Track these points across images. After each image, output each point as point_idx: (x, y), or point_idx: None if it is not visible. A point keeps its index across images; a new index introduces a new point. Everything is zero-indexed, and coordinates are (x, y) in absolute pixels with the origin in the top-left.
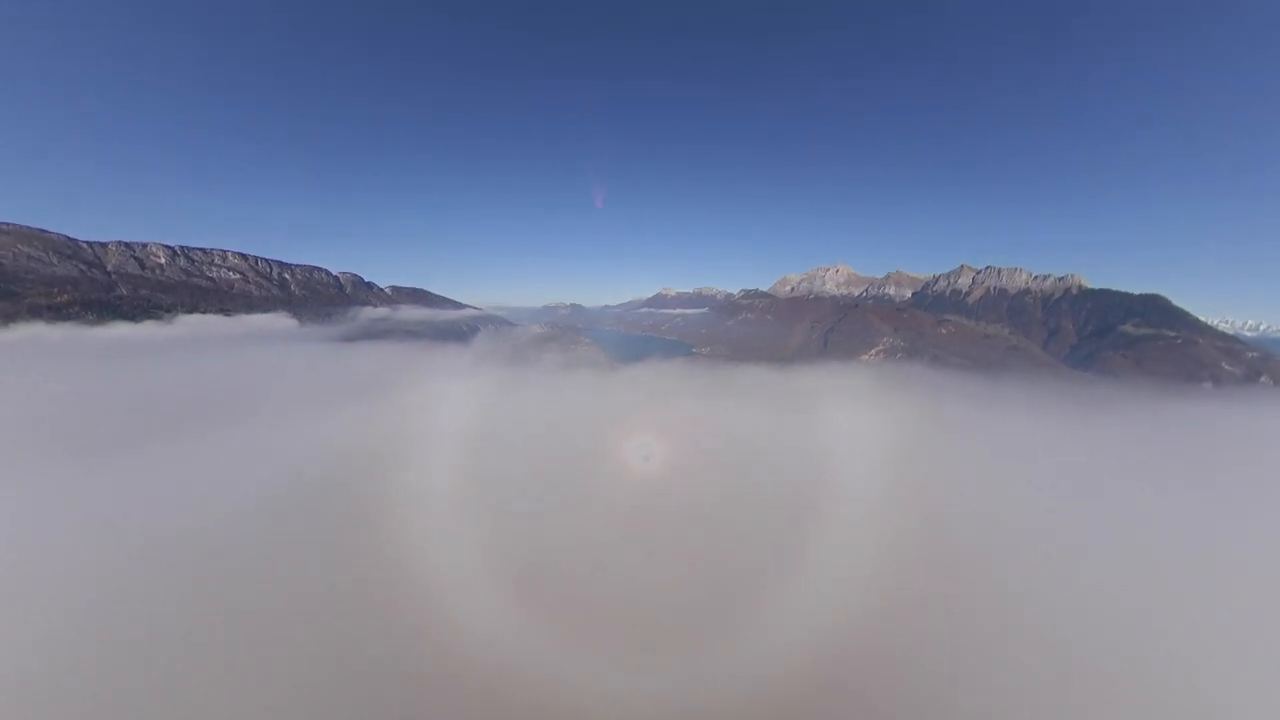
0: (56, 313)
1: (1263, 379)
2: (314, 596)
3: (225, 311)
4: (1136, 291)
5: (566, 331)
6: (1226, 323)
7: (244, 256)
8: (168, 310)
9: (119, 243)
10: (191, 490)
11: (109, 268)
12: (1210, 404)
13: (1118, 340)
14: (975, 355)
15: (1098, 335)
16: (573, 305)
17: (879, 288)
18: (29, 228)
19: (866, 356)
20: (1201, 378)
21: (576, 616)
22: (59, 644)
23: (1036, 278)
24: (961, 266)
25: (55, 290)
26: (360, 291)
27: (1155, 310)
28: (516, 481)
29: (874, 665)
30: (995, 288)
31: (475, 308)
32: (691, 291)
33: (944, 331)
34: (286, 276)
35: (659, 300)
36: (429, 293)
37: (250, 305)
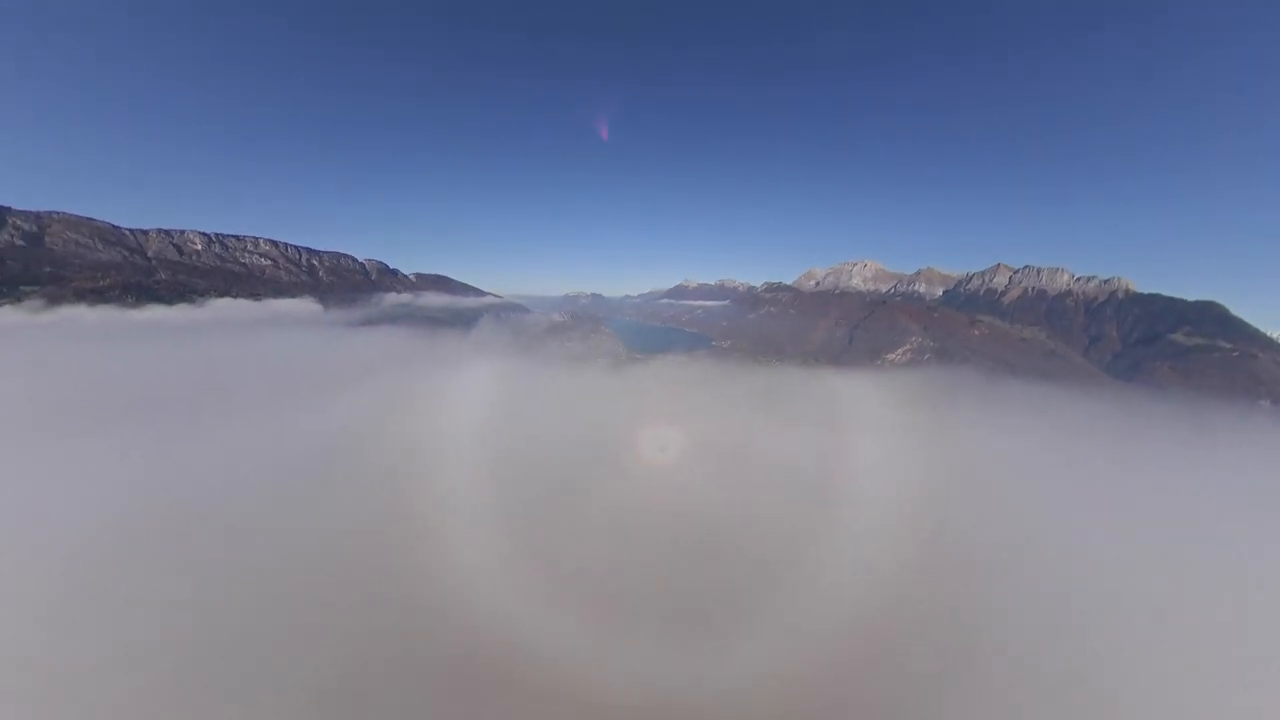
0: (99, 296)
1: None
2: (327, 573)
3: (255, 296)
4: (1190, 298)
5: (585, 320)
6: None
7: (275, 243)
8: (201, 294)
9: (159, 230)
10: (197, 469)
11: (149, 254)
12: (1269, 423)
13: (1166, 350)
14: (1009, 359)
15: (1144, 343)
16: (594, 294)
17: (908, 285)
18: (77, 216)
19: (893, 356)
20: (1259, 394)
21: (588, 605)
22: (96, 607)
23: (1079, 279)
24: (997, 265)
25: (99, 275)
26: (385, 278)
27: (1210, 319)
28: (524, 471)
29: (885, 671)
30: (1033, 288)
31: (496, 295)
32: (713, 283)
33: (976, 333)
34: (315, 263)
35: (680, 291)
36: (451, 280)
37: (280, 290)
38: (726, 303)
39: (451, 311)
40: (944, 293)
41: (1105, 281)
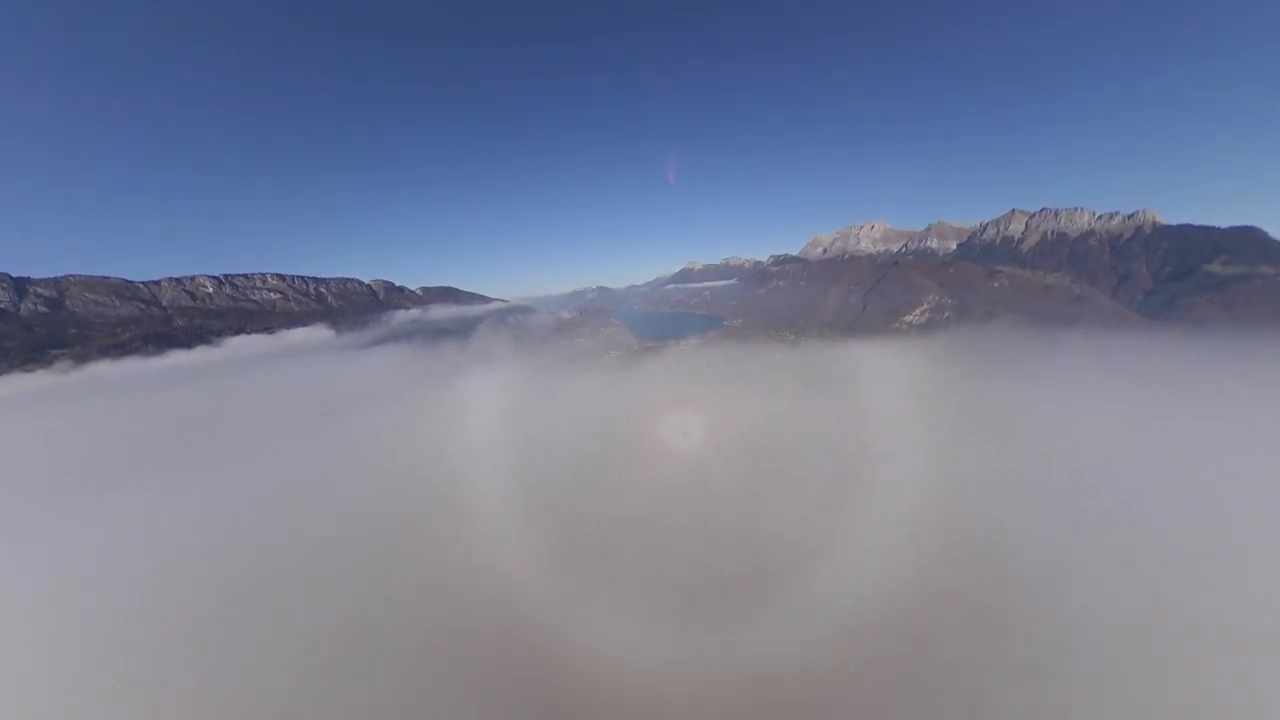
0: (122, 350)
1: None
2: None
3: (268, 330)
4: (1224, 225)
5: (594, 315)
6: None
7: (282, 277)
8: (218, 335)
9: (170, 279)
10: (231, 502)
11: (164, 303)
12: None
13: (1202, 282)
14: (1034, 309)
15: (1177, 278)
16: (599, 288)
17: (919, 241)
18: (92, 276)
19: (911, 317)
20: None
21: (620, 595)
22: (157, 637)
23: (1100, 218)
24: (1012, 211)
25: (119, 330)
26: (393, 296)
27: (1248, 245)
28: (545, 471)
29: (905, 652)
30: (1053, 232)
31: (503, 300)
32: (719, 263)
33: (996, 285)
34: (323, 290)
35: (685, 275)
36: (458, 290)
37: (292, 321)
38: (734, 281)
39: (460, 321)
40: (958, 246)
41: (1130, 217)
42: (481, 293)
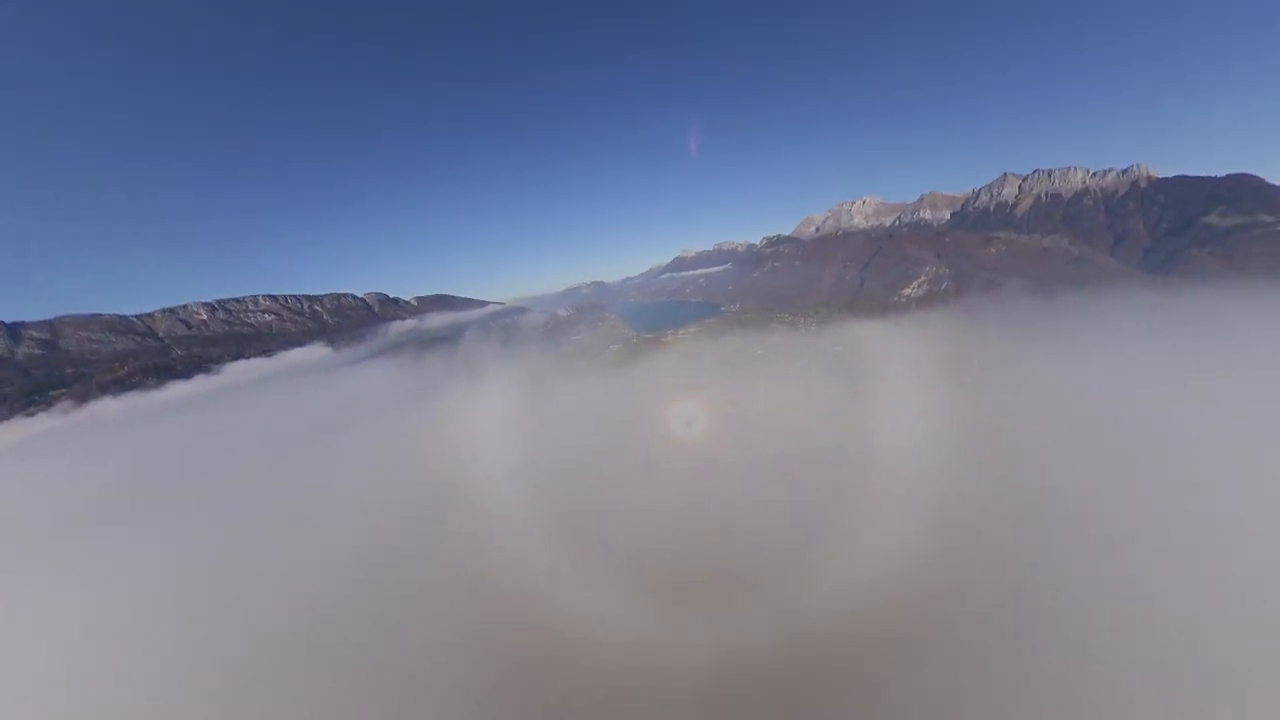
0: (121, 385)
1: None
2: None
3: (266, 353)
4: (1220, 174)
5: (591, 310)
6: None
7: (274, 298)
8: (216, 362)
9: (163, 309)
10: (218, 540)
11: (160, 334)
12: None
13: (1201, 235)
14: (1033, 273)
15: (1175, 233)
16: (594, 283)
17: (912, 213)
18: (85, 315)
19: (909, 290)
20: None
21: (631, 586)
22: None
23: (1094, 175)
24: (1004, 176)
25: (117, 365)
26: (388, 308)
27: (1246, 193)
28: (552, 471)
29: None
30: (1047, 193)
31: (498, 303)
32: (711, 248)
33: (993, 251)
34: (317, 308)
35: (679, 263)
36: (453, 297)
37: (289, 341)
38: (728, 266)
39: (456, 328)
40: (951, 215)
41: (1123, 172)
42: (476, 297)
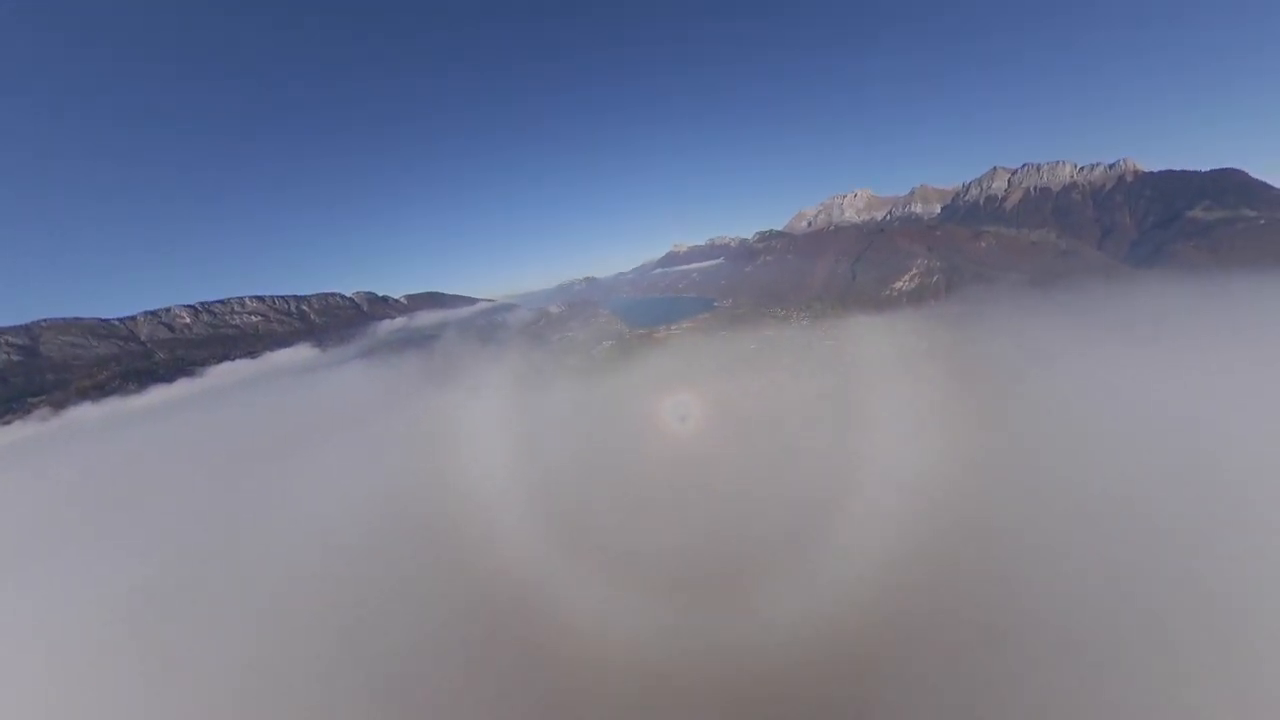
0: (101, 391)
1: None
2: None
3: (252, 354)
4: (1205, 168)
5: (584, 306)
6: None
7: (261, 299)
8: (201, 365)
9: (145, 313)
10: (198, 546)
11: (143, 338)
12: None
13: (1186, 228)
14: (1023, 267)
15: (1161, 226)
16: (587, 279)
17: (904, 207)
18: (63, 319)
19: (900, 283)
20: None
21: (629, 581)
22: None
23: (1082, 169)
24: (994, 169)
25: (97, 370)
26: (377, 306)
27: (1230, 188)
28: (540, 468)
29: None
30: (1035, 188)
31: (489, 300)
32: (704, 243)
33: (983, 245)
34: (304, 308)
35: (671, 258)
36: (443, 294)
37: (276, 342)
38: (720, 261)
39: (446, 325)
40: (942, 209)
41: (1110, 167)
42: (467, 294)
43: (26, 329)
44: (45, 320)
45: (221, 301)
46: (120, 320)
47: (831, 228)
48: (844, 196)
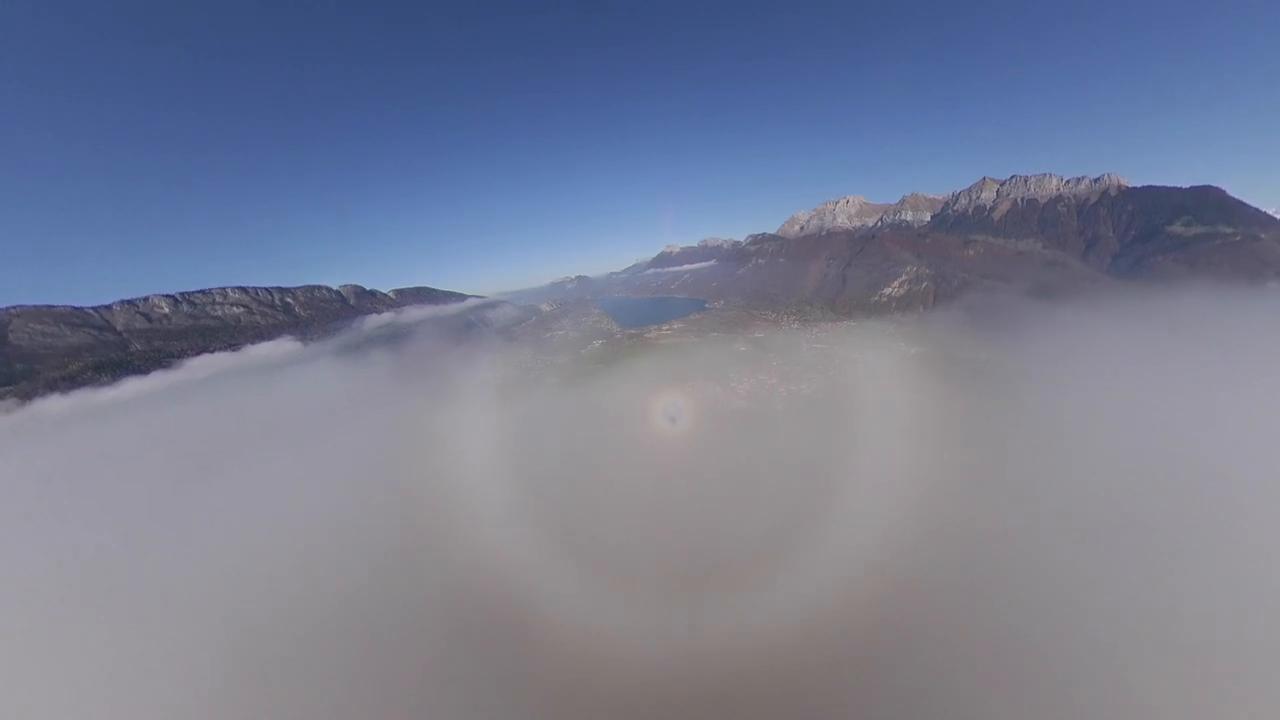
0: (71, 382)
1: None
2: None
3: (233, 347)
4: (1185, 185)
5: (575, 305)
6: None
7: (244, 290)
8: (177, 357)
9: (121, 302)
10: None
11: (119, 328)
12: (1273, 304)
13: (1166, 243)
14: (1009, 275)
15: (1143, 240)
16: (579, 278)
17: (895, 214)
18: (35, 306)
19: (890, 289)
20: (1266, 276)
21: (615, 578)
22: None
23: (1068, 182)
24: (983, 180)
25: (69, 360)
26: (364, 301)
27: (1209, 205)
28: (529, 466)
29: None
30: (1023, 199)
31: (479, 297)
32: (696, 244)
33: (971, 253)
34: (289, 300)
35: (664, 259)
36: (433, 290)
37: (259, 335)
38: (713, 262)
39: (434, 322)
40: (932, 217)
41: (1095, 180)
42: (458, 290)
43: None
44: (15, 307)
45: (203, 292)
46: (95, 309)
47: (824, 232)
48: (837, 202)
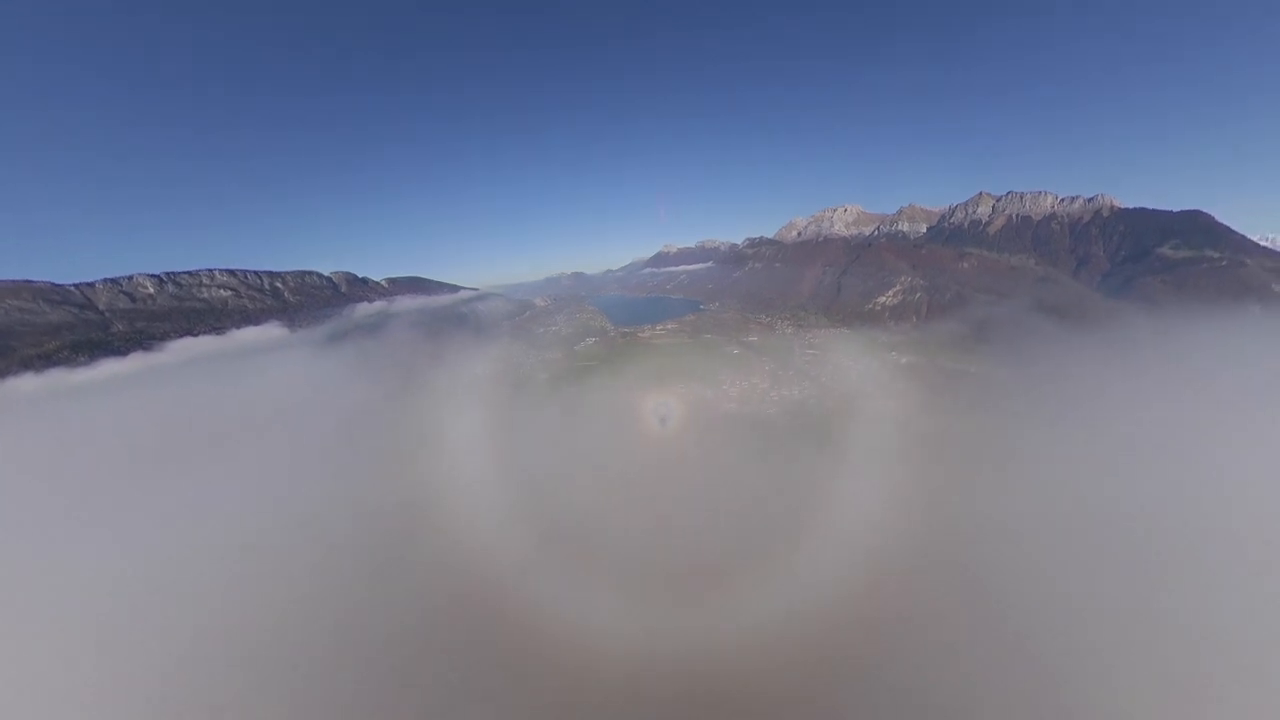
0: (47, 360)
1: None
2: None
3: (217, 330)
4: (1176, 209)
5: (570, 301)
6: (1269, 240)
7: (233, 273)
8: (159, 339)
9: (105, 280)
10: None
11: (101, 307)
12: (1255, 329)
13: (1155, 264)
14: (1001, 289)
15: (1132, 260)
16: (575, 274)
17: (891, 224)
18: (12, 281)
19: (884, 298)
20: (1249, 301)
21: (600, 570)
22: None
23: (1063, 201)
24: (980, 194)
25: (47, 339)
26: (356, 288)
27: (1197, 229)
28: (520, 464)
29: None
30: (1018, 215)
31: (473, 289)
32: (694, 246)
33: (965, 266)
34: (279, 285)
35: (661, 259)
36: (426, 280)
37: (246, 319)
38: (710, 264)
39: (426, 312)
40: (928, 229)
41: (1089, 200)
42: (452, 281)
43: None
44: None
45: (190, 273)
46: (77, 286)
47: (821, 239)
48: (835, 210)
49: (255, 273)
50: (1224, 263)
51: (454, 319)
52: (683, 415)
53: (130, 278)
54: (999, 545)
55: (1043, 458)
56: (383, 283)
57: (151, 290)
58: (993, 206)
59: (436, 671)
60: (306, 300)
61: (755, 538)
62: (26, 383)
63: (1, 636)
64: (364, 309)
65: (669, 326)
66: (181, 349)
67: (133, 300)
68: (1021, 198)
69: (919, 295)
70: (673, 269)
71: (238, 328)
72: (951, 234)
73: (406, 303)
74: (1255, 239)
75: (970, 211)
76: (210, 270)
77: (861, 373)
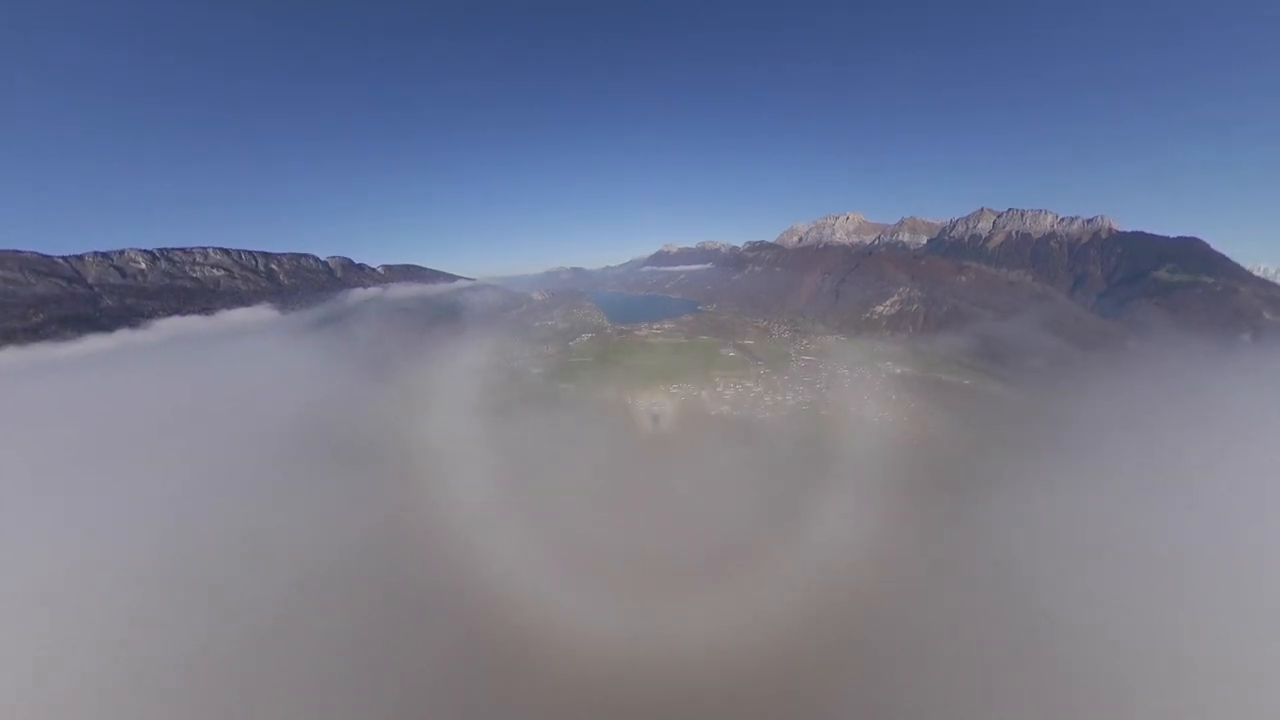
0: (32, 334)
1: None
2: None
3: (207, 310)
4: (1173, 234)
5: (567, 296)
6: (1261, 269)
7: (227, 252)
8: (148, 316)
9: (95, 253)
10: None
11: (90, 280)
12: (1245, 358)
13: (1150, 287)
14: (998, 304)
15: (1128, 282)
16: (574, 269)
17: (892, 235)
18: (1, 250)
19: (882, 308)
20: (1240, 328)
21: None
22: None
23: (1062, 220)
24: (981, 210)
25: (32, 311)
26: (351, 274)
27: (1192, 255)
28: (512, 463)
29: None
30: (1018, 232)
31: (469, 279)
32: (695, 246)
33: (963, 279)
34: (274, 267)
35: (661, 258)
36: (423, 268)
37: (238, 300)
38: (710, 265)
39: (421, 300)
40: (928, 241)
41: (1088, 221)
42: (449, 271)
43: None
44: None
45: (183, 250)
46: (66, 259)
47: (821, 245)
48: (836, 218)
49: (250, 253)
50: (1218, 289)
51: (449, 309)
52: (675, 415)
53: (122, 252)
54: (985, 554)
55: (1032, 477)
56: (379, 269)
57: (143, 266)
58: (993, 222)
59: (420, 668)
60: (301, 283)
61: (741, 540)
62: (9, 355)
63: None
64: (358, 295)
65: (666, 326)
66: (167, 328)
67: (123, 275)
68: (1022, 215)
69: (916, 306)
70: (672, 268)
71: (228, 309)
72: (951, 247)
73: (401, 290)
74: (1249, 268)
75: (971, 226)
76: (204, 248)
77: (856, 381)
